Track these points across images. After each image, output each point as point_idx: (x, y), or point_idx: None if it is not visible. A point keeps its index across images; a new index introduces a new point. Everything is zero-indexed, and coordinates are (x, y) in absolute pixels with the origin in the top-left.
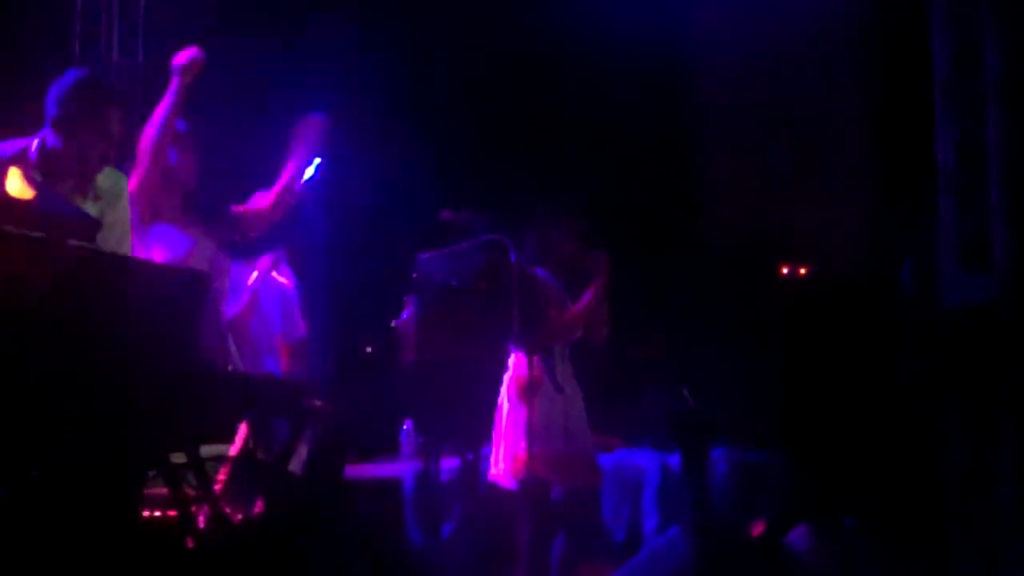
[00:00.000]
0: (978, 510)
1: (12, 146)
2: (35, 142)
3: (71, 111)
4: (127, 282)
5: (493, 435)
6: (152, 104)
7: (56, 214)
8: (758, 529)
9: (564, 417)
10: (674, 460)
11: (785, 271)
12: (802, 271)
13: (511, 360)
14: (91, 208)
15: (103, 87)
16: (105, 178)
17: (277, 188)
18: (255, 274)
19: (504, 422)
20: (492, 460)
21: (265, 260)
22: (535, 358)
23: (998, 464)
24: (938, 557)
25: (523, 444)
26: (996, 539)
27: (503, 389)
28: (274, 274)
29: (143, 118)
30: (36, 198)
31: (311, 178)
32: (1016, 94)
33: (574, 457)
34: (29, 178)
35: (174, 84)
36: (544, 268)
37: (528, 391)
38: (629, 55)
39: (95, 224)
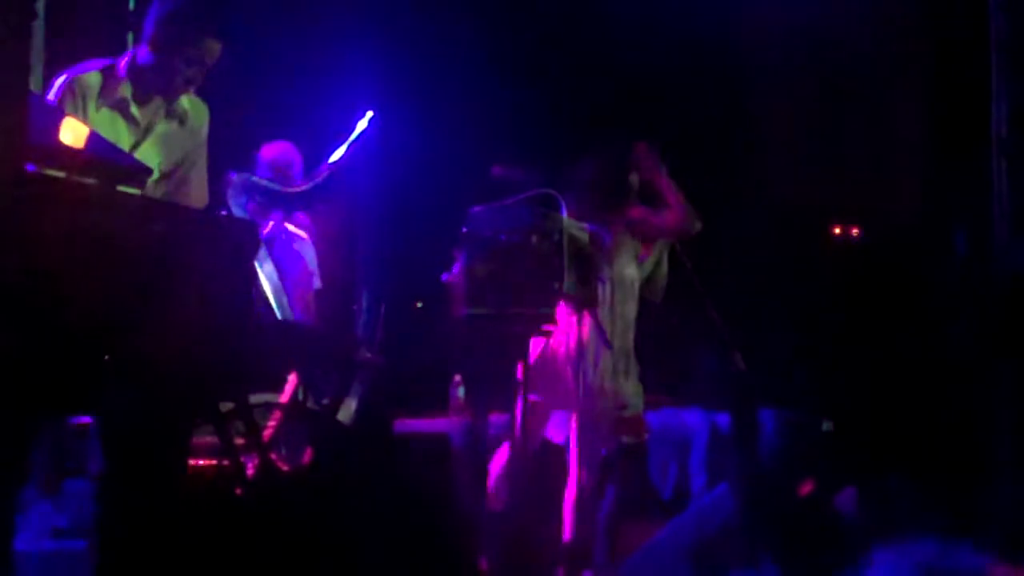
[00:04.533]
0: None
1: (100, 62)
2: (125, 60)
3: (170, 32)
4: (177, 230)
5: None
6: None
7: (108, 161)
8: (806, 489)
9: (614, 374)
10: (723, 419)
11: (837, 231)
12: (854, 232)
13: (564, 317)
14: (171, 128)
15: (206, 15)
16: (190, 103)
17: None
18: (270, 224)
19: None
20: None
21: (279, 212)
22: (586, 315)
23: None
24: (984, 522)
25: (572, 401)
26: None
27: (556, 345)
28: (290, 225)
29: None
30: (88, 144)
31: (363, 132)
32: None
33: (622, 414)
34: (80, 127)
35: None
36: (608, 220)
37: (579, 349)
38: (682, 18)
39: (147, 171)
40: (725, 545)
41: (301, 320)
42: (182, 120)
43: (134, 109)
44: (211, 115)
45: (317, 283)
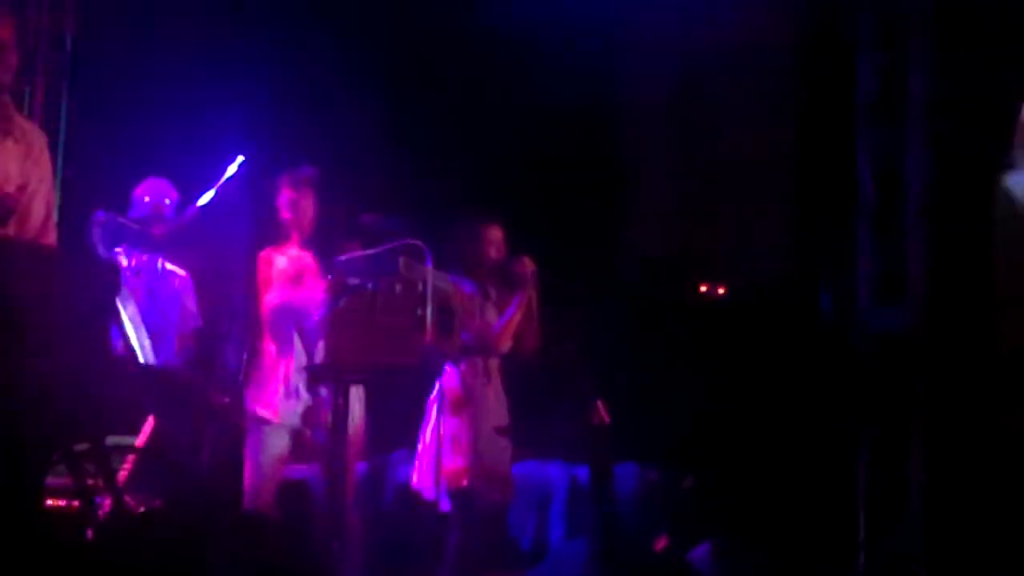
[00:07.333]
0: (887, 535)
1: None
2: None
3: None
4: (36, 269)
5: (419, 443)
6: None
7: None
8: (661, 544)
9: (486, 429)
10: (582, 473)
11: (704, 289)
12: (721, 291)
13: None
14: (12, 148)
15: None
16: (28, 128)
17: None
18: (134, 256)
19: (429, 432)
20: (415, 468)
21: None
22: (466, 369)
23: (907, 489)
24: None
25: (450, 456)
26: (904, 564)
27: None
28: (167, 263)
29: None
30: None
31: (232, 176)
32: (936, 124)
33: (495, 470)
34: None
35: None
36: (469, 278)
37: (455, 403)
38: (557, 75)
39: (7, 210)
40: None
41: (180, 359)
42: (16, 140)
43: None
44: (77, 156)
45: (196, 321)
